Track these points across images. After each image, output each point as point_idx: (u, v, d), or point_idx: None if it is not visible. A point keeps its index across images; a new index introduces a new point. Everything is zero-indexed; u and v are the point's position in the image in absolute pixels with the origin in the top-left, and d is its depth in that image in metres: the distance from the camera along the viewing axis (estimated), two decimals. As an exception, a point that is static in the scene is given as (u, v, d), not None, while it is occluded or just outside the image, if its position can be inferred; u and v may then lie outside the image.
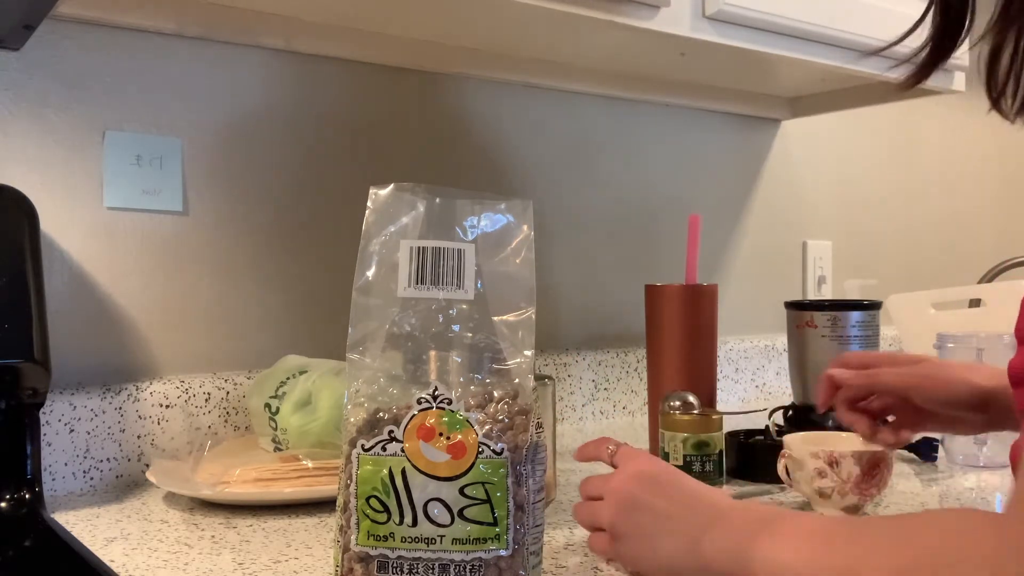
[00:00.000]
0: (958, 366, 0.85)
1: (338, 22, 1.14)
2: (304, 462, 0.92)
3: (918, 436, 1.07)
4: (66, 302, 0.99)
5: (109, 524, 0.84)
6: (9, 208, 0.87)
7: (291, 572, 0.71)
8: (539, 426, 0.62)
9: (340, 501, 0.61)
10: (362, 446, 0.60)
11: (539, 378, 0.84)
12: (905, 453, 1.10)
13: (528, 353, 0.62)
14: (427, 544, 0.58)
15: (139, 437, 1.00)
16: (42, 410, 0.89)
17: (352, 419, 0.61)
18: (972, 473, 1.04)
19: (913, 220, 1.96)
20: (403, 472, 0.59)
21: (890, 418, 0.88)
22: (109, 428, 0.98)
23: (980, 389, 0.80)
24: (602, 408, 1.41)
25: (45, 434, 0.93)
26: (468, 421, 0.59)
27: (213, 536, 0.80)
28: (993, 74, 0.56)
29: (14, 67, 0.97)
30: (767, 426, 1.14)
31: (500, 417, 0.60)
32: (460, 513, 0.58)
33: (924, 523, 0.47)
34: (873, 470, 0.84)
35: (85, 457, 0.96)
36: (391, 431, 0.60)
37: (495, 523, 0.58)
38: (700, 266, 1.15)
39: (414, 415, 0.60)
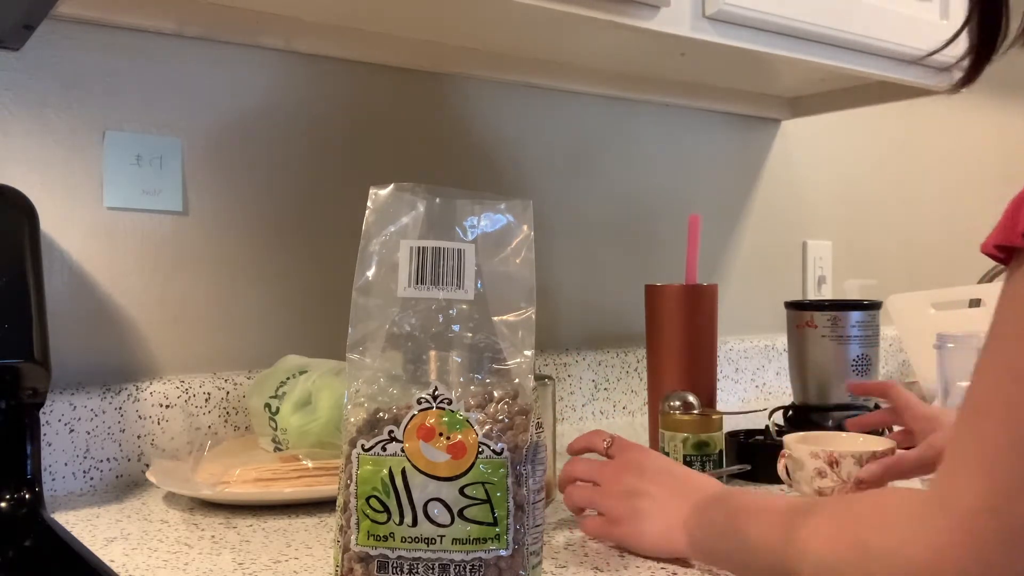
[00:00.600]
0: None
1: (338, 22, 1.14)
2: (304, 462, 0.92)
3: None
4: (66, 302, 0.99)
5: (109, 524, 0.84)
6: (9, 208, 0.87)
7: (291, 572, 0.71)
8: (539, 426, 0.62)
9: (340, 501, 0.61)
10: (362, 446, 0.60)
11: (539, 378, 0.84)
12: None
13: (528, 353, 0.62)
14: (427, 544, 0.58)
15: (139, 437, 1.00)
16: (42, 410, 0.89)
17: (352, 419, 0.61)
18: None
19: (913, 220, 1.96)
20: (403, 472, 0.59)
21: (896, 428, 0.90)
22: (109, 428, 0.98)
23: None
24: (602, 408, 1.41)
25: (45, 434, 0.93)
26: (468, 421, 0.59)
27: (213, 536, 0.80)
28: None
29: (14, 67, 0.97)
30: (767, 426, 1.14)
31: (500, 417, 0.60)
32: (460, 513, 0.58)
33: (863, 496, 0.54)
34: None
35: (85, 457, 0.96)
36: (391, 431, 0.59)
37: (495, 523, 0.58)
38: (700, 266, 1.15)
39: (414, 415, 0.60)
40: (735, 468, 0.99)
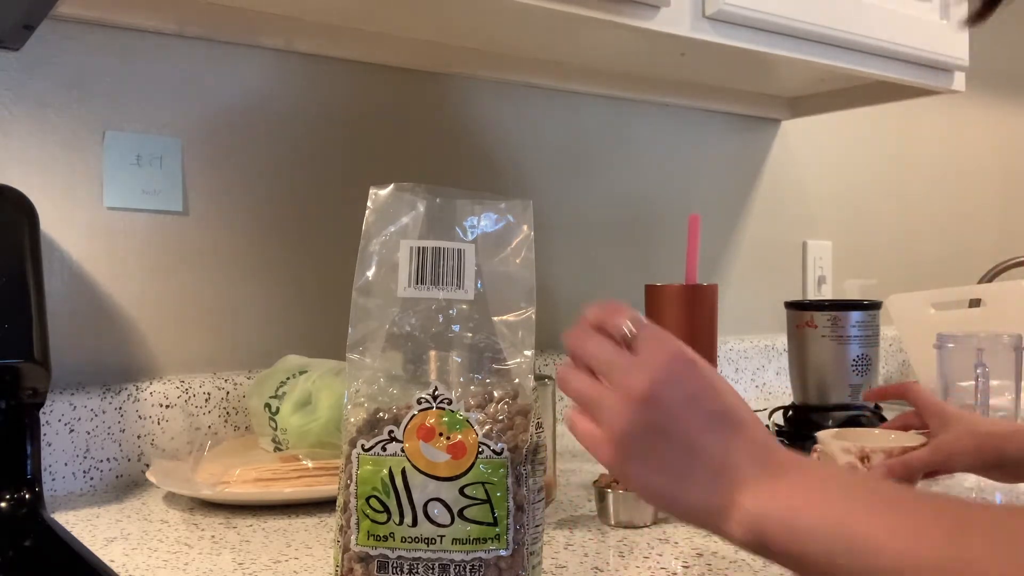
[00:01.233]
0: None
1: (338, 22, 1.14)
2: (304, 462, 0.92)
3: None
4: (66, 302, 0.99)
5: (109, 524, 0.84)
6: (9, 208, 0.87)
7: (291, 572, 0.71)
8: (539, 426, 0.62)
9: (340, 501, 0.61)
10: (362, 446, 0.60)
11: (539, 378, 0.84)
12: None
13: (528, 353, 0.61)
14: (427, 544, 0.58)
15: (139, 437, 1.00)
16: (42, 410, 0.89)
17: (352, 419, 0.61)
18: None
19: (913, 220, 1.96)
20: (403, 472, 0.59)
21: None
22: (109, 428, 0.98)
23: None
24: (602, 408, 1.41)
25: (45, 434, 0.93)
26: (468, 421, 0.59)
27: (213, 536, 0.80)
28: None
29: (14, 67, 0.97)
30: (767, 426, 1.14)
31: (500, 417, 0.60)
32: (460, 513, 0.58)
33: None
34: None
35: (85, 457, 0.96)
36: (391, 431, 0.59)
37: (495, 523, 0.58)
38: (700, 266, 1.14)
39: (414, 415, 0.60)
40: None
